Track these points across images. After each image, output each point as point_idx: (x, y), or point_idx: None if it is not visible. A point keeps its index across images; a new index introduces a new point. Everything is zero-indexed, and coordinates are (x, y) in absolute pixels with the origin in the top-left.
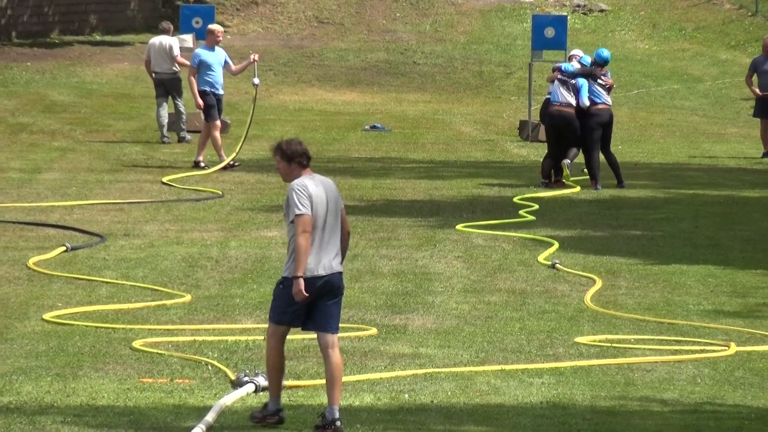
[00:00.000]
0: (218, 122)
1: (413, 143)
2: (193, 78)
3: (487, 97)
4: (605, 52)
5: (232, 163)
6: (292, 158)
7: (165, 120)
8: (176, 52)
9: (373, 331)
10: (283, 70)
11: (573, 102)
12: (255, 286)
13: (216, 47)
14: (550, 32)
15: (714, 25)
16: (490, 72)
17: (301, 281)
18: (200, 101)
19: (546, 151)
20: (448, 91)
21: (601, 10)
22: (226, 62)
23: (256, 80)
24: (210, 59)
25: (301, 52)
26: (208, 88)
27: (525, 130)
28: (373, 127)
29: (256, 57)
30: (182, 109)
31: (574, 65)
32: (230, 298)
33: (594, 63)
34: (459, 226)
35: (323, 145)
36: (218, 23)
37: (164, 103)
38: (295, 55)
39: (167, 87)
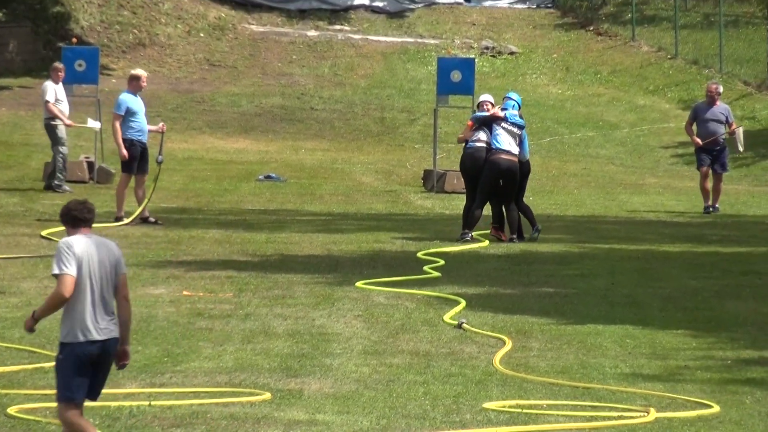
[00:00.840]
0: (134, 176)
1: (310, 194)
2: (117, 125)
3: (390, 144)
4: (516, 95)
5: (152, 219)
6: (62, 219)
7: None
8: (46, 97)
9: (267, 396)
10: (172, 116)
11: (516, 152)
12: (140, 348)
13: (138, 94)
14: (456, 76)
15: (631, 68)
16: (392, 118)
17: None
18: (125, 152)
19: (466, 202)
20: (348, 138)
21: (511, 53)
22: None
23: (161, 157)
24: (136, 106)
25: (190, 97)
26: (135, 137)
27: (430, 181)
28: (268, 177)
29: (164, 127)
30: (59, 157)
31: (486, 112)
32: None
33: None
34: (359, 283)
35: (214, 196)
36: (102, 66)
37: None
38: (184, 100)
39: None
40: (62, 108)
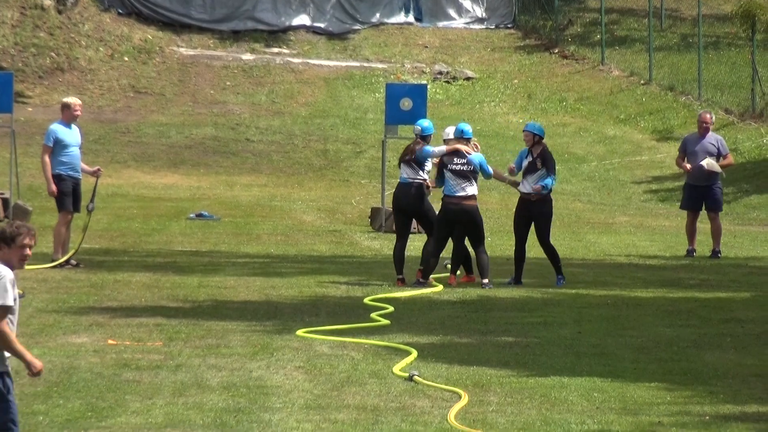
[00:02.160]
0: (71, 214)
1: (246, 234)
2: (47, 158)
3: (333, 179)
4: (467, 127)
5: (72, 262)
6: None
7: None
8: None
9: None
10: (94, 148)
11: (473, 191)
12: (61, 401)
13: (73, 125)
14: (407, 104)
15: (600, 95)
16: (336, 150)
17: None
18: (53, 187)
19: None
20: (288, 172)
21: (467, 78)
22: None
23: (92, 205)
24: (68, 138)
25: (114, 127)
26: (64, 172)
27: (378, 219)
28: (200, 216)
29: (100, 172)
30: None
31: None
32: (33, 415)
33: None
34: (300, 332)
35: (141, 236)
36: (17, 93)
37: None
38: (107, 130)
39: None
40: None
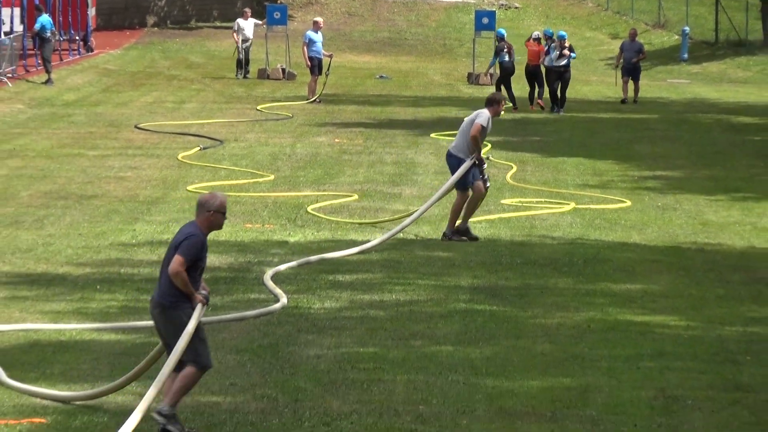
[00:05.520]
0: (317, 77)
1: (405, 86)
2: (305, 49)
3: (448, 59)
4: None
5: (317, 100)
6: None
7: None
8: (235, 28)
9: (354, 198)
10: (328, 43)
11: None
12: (311, 170)
13: (319, 31)
14: (485, 20)
15: (582, 16)
16: (450, 44)
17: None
18: (308, 62)
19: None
20: (425, 55)
21: (516, 7)
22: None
23: (328, 72)
24: (315, 38)
25: (337, 33)
26: (314, 55)
27: (471, 79)
28: (381, 77)
29: (332, 55)
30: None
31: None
32: (297, 177)
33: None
34: (432, 135)
35: (352, 87)
36: (290, 15)
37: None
38: (333, 35)
39: None
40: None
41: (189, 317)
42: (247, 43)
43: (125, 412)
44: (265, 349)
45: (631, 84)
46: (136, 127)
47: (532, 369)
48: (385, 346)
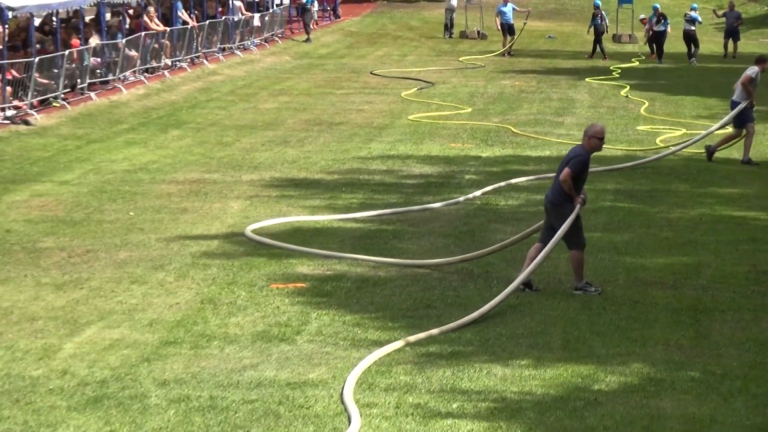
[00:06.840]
0: (506, 39)
1: (566, 44)
2: (497, 19)
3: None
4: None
5: (506, 53)
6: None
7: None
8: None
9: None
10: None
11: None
12: (498, 104)
13: (508, 4)
14: None
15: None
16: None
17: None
18: (499, 27)
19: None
20: (582, 21)
21: None
22: (513, 9)
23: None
24: (505, 9)
25: (517, 4)
26: (504, 22)
27: (615, 38)
28: (549, 37)
29: (529, 9)
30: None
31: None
32: (488, 109)
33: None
34: (587, 79)
35: (528, 44)
36: None
37: None
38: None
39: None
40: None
41: (570, 212)
42: (452, 12)
43: (363, 279)
44: (464, 234)
45: (731, 43)
46: (371, 73)
47: (658, 250)
48: None
